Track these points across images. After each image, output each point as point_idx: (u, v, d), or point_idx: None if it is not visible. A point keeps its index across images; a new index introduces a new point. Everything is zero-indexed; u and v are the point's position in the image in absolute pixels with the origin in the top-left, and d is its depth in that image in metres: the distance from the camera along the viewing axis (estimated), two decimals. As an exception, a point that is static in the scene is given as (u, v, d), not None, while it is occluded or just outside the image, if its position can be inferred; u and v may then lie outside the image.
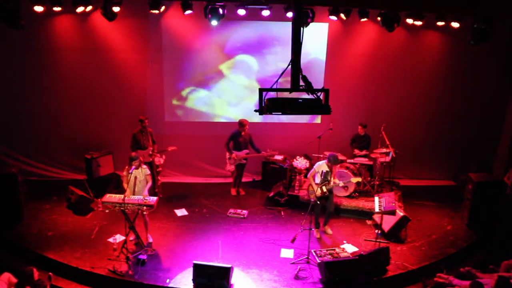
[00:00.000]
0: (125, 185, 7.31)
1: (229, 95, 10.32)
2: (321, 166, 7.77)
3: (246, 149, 9.36)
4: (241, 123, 9.19)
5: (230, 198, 9.65)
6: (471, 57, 9.69)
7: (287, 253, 7.60)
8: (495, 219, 8.48)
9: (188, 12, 8.55)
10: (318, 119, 10.52)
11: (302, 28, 5.12)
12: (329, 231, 8.18)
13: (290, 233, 7.99)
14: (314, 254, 7.44)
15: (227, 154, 9.34)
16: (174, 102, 10.30)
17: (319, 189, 7.63)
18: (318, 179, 7.73)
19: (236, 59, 10.09)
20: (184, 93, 10.25)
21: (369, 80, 10.24)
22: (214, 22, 8.56)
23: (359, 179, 8.15)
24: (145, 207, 7.13)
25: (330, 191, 7.84)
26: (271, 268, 7.17)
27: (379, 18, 8.66)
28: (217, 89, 10.28)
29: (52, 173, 10.29)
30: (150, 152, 8.92)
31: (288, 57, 5.22)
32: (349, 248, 7.76)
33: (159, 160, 9.19)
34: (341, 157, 9.30)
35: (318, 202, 7.55)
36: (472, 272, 6.58)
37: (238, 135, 9.24)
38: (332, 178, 7.73)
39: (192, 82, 10.18)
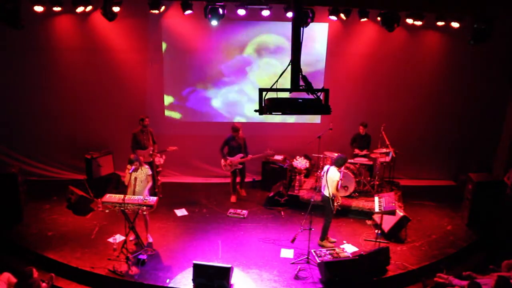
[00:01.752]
0: (126, 185, 7.31)
1: (229, 94, 10.32)
2: (339, 172, 7.54)
3: (241, 154, 9.15)
4: (234, 128, 9.00)
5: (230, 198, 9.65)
6: (471, 57, 9.68)
7: (287, 253, 7.60)
8: (495, 219, 8.47)
9: (188, 12, 8.54)
10: (318, 119, 10.51)
11: (302, 28, 5.12)
12: (331, 239, 7.94)
13: (290, 233, 7.99)
14: (314, 254, 7.44)
15: (222, 161, 9.17)
16: (174, 101, 10.31)
17: (340, 196, 7.58)
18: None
19: (236, 58, 10.09)
20: (183, 92, 10.25)
21: (369, 80, 10.24)
22: (214, 22, 8.56)
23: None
24: (145, 207, 7.13)
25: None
26: (271, 268, 7.17)
27: (379, 18, 8.66)
28: (217, 88, 10.28)
29: (52, 173, 10.29)
30: (151, 152, 8.91)
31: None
32: (349, 248, 7.76)
33: (159, 160, 9.19)
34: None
35: (339, 209, 7.67)
36: (473, 276, 6.56)
37: (231, 139, 9.05)
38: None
39: (191, 81, 10.18)
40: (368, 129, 9.63)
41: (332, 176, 7.47)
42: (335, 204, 7.49)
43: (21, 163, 9.66)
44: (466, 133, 10.44)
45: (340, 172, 7.53)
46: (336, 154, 9.44)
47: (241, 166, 9.25)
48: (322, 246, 7.79)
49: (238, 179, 9.61)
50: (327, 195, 7.47)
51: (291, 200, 9.28)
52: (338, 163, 7.55)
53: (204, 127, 10.43)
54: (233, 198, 9.48)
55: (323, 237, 7.83)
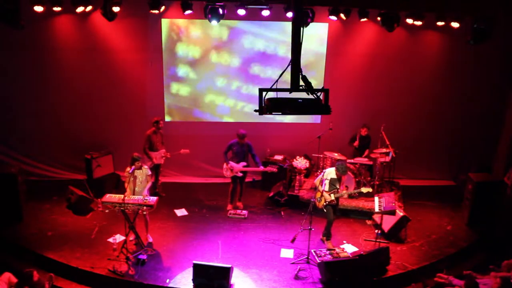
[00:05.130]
0: (126, 185, 7.32)
1: (229, 94, 10.32)
2: (330, 173, 7.62)
3: (244, 162, 8.78)
4: (240, 135, 8.65)
5: (230, 198, 9.63)
6: (471, 57, 9.68)
7: (287, 253, 7.60)
8: (495, 219, 8.47)
9: (188, 12, 8.54)
10: (318, 119, 10.51)
11: (302, 28, 5.12)
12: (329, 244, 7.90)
13: (290, 233, 8.00)
14: (314, 254, 7.45)
15: (224, 165, 8.86)
16: (173, 101, 10.31)
17: (327, 195, 7.52)
18: (326, 186, 7.57)
19: (235, 57, 10.09)
20: (184, 92, 10.25)
21: (369, 80, 10.24)
22: (214, 22, 8.56)
23: (370, 189, 7.67)
24: (145, 207, 7.13)
25: (337, 199, 7.69)
26: (271, 268, 7.17)
27: (379, 18, 8.66)
28: (218, 88, 10.27)
29: (52, 173, 10.28)
30: (163, 155, 8.93)
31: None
32: (349, 248, 7.76)
33: (159, 160, 9.18)
34: (341, 158, 9.31)
35: (325, 210, 7.55)
36: (473, 276, 6.56)
37: (234, 145, 8.74)
38: (339, 187, 7.57)
39: (191, 81, 10.19)
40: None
41: (326, 174, 7.63)
42: (318, 196, 7.57)
43: (21, 163, 9.64)
44: (466, 133, 10.43)
45: (338, 176, 7.56)
46: (336, 154, 9.49)
47: (241, 174, 8.87)
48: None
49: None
50: (333, 197, 7.54)
51: (291, 200, 9.28)
52: (340, 170, 7.52)
53: (204, 127, 10.43)
54: (229, 207, 9.15)
55: (327, 236, 7.82)
